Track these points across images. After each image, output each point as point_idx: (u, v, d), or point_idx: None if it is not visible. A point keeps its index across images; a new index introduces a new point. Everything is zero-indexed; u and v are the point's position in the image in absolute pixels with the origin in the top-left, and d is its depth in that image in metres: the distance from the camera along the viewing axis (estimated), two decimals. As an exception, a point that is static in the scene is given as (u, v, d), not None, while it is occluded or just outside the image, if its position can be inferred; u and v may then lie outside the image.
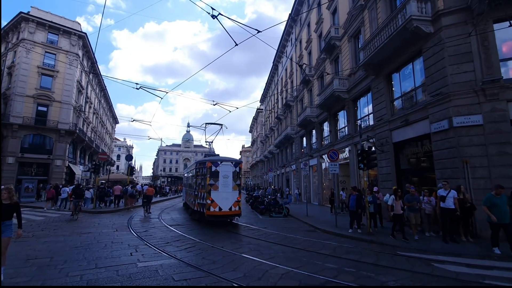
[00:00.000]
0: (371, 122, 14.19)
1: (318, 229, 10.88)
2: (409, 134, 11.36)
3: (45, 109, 27.96)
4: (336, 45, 17.59)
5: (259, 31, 7.89)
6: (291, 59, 29.90)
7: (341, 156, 17.44)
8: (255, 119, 63.64)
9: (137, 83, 10.27)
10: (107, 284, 4.66)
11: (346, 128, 17.00)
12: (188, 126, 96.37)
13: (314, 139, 23.11)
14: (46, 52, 28.25)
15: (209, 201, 10.78)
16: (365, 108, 15.17)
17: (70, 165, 30.31)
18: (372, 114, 14.06)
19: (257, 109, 58.01)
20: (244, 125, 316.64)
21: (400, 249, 7.63)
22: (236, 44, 8.15)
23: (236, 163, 11.59)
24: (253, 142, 69.53)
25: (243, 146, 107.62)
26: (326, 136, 20.69)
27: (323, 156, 19.36)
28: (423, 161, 11.08)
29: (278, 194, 21.04)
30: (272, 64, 39.44)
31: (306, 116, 21.74)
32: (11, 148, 25.39)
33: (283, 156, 33.72)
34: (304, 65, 24.12)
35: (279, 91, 37.06)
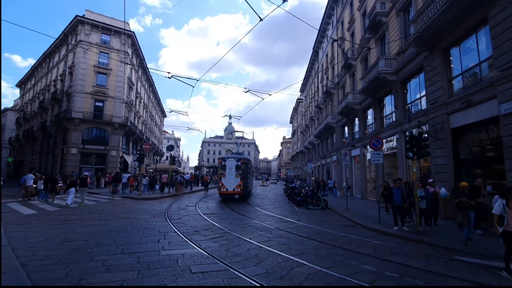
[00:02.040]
0: (424, 106, 12.39)
1: (358, 224, 9.88)
2: (471, 117, 9.55)
3: (101, 104, 30.65)
4: (382, 22, 15.70)
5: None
6: (332, 43, 28.03)
7: (387, 145, 15.77)
8: (295, 109, 62.23)
9: (168, 72, 10.34)
10: (124, 271, 4.57)
11: (393, 115, 15.23)
12: (230, 118, 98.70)
13: (356, 128, 21.44)
14: (100, 52, 30.75)
15: (220, 184, 16.81)
16: (417, 91, 13.32)
17: (124, 155, 32.99)
18: (425, 97, 12.25)
19: (297, 99, 56.53)
20: (285, 116, 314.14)
21: (458, 253, 6.39)
22: (261, 19, 7.52)
23: (238, 159, 16.89)
24: (293, 133, 68.27)
25: (283, 138, 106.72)
26: (370, 124, 18.96)
27: (367, 145, 17.76)
28: (488, 149, 9.25)
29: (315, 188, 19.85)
30: (312, 51, 37.63)
31: (347, 103, 20.19)
32: (74, 140, 28.42)
33: (324, 147, 32.31)
34: (346, 48, 22.30)
35: (319, 79, 35.35)
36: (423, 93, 12.50)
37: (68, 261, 5.00)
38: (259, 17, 7.50)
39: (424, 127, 11.67)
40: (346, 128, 23.92)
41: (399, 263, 5.52)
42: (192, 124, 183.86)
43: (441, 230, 8.75)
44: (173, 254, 5.56)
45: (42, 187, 14.22)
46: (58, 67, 35.28)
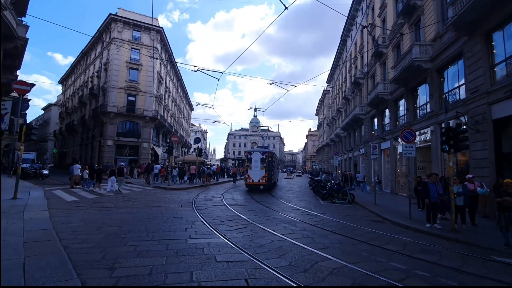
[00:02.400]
0: (462, 96, 11.43)
1: (387, 220, 9.50)
2: (519, 108, 8.65)
3: (133, 98, 32.17)
4: (417, 5, 14.61)
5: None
6: (361, 30, 26.72)
7: (420, 138, 14.87)
8: (321, 101, 60.73)
9: (194, 66, 10.53)
10: (153, 256, 4.81)
11: (428, 105, 14.26)
12: (256, 110, 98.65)
13: (387, 120, 20.43)
14: (132, 48, 32.11)
15: (246, 176, 18.24)
16: (455, 79, 12.30)
17: (154, 147, 34.53)
18: (464, 86, 11.29)
19: (324, 90, 55.06)
20: (311, 109, 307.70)
21: (497, 253, 5.91)
22: (286, 8, 7.31)
23: (263, 152, 18.24)
24: (319, 126, 66.82)
25: (309, 130, 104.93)
26: (401, 116, 17.96)
27: (398, 138, 16.88)
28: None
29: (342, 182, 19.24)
30: (340, 39, 36.20)
31: (377, 94, 19.25)
32: (109, 132, 30.24)
33: (351, 139, 31.32)
34: (377, 36, 21.15)
35: (347, 69, 34.05)
36: (462, 81, 11.52)
37: (104, 245, 5.37)
38: (284, 5, 7.31)
39: (462, 118, 10.80)
40: (375, 120, 22.93)
41: (431, 262, 5.23)
42: (218, 117, 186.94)
43: (479, 229, 8.13)
44: (199, 243, 5.74)
45: (87, 176, 15.56)
46: (94, 64, 37.49)
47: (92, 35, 34.97)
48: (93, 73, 37.20)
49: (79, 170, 15.94)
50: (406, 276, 4.53)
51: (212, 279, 4.06)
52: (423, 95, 15.25)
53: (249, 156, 18.23)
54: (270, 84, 13.24)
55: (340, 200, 13.83)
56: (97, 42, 36.46)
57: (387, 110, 20.27)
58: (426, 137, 14.36)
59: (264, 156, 18.03)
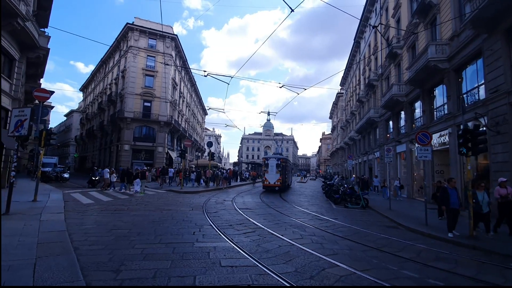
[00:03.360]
0: (482, 96, 10.90)
1: (401, 225, 9.13)
2: (544, 108, 8.11)
3: (149, 104, 32.99)
4: (432, 4, 14.15)
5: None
6: (375, 32, 26.23)
7: (438, 140, 14.29)
8: (335, 104, 59.95)
9: (204, 71, 10.64)
10: (159, 260, 4.82)
11: (445, 107, 13.71)
12: (269, 114, 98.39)
13: (402, 122, 19.84)
14: (148, 55, 33.05)
15: (264, 179, 20.90)
16: (473, 79, 11.76)
17: (169, 151, 35.17)
18: (483, 85, 10.76)
19: (337, 93, 54.37)
20: (325, 112, 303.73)
21: (521, 264, 5.50)
22: (292, 10, 7.27)
23: (278, 158, 20.99)
24: (333, 129, 65.86)
25: (323, 134, 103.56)
26: (417, 118, 17.37)
27: (413, 141, 16.33)
28: None
29: (356, 187, 18.64)
30: (353, 41, 35.68)
31: (392, 95, 18.75)
32: (126, 137, 31.11)
33: (365, 143, 30.65)
34: (391, 36, 20.67)
35: (361, 71, 33.49)
36: (481, 81, 11.00)
37: (113, 247, 5.45)
38: (290, 7, 7.27)
39: (482, 120, 10.28)
40: (390, 122, 22.34)
41: (446, 270, 4.94)
42: (230, 121, 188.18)
43: (500, 236, 7.64)
44: (206, 247, 5.72)
45: (115, 180, 17.59)
46: (112, 72, 38.85)
47: (111, 44, 36.31)
48: (111, 80, 38.55)
49: (108, 174, 17.17)
50: (418, 284, 4.30)
51: (215, 284, 4.01)
52: (440, 96, 14.69)
53: (266, 161, 21.14)
54: (280, 87, 13.19)
55: (353, 205, 13.48)
56: (115, 50, 37.81)
57: (402, 112, 19.69)
58: (443, 140, 13.78)
59: (279, 162, 20.79)
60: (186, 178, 23.58)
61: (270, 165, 20.70)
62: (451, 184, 8.13)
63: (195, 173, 22.89)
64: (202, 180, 23.32)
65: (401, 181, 18.39)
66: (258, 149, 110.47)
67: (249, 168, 49.86)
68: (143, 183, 16.34)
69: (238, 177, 33.58)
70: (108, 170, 17.52)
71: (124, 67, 33.61)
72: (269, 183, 20.38)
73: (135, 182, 16.24)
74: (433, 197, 12.18)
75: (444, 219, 9.29)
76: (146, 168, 18.54)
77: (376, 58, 26.65)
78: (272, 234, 7.11)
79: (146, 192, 16.48)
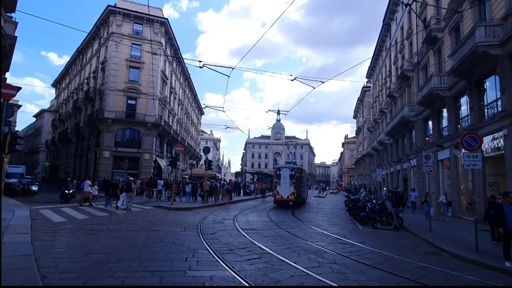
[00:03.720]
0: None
1: (445, 251, 8.93)
2: None
3: (133, 102, 33.42)
4: (479, -23, 14.05)
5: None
6: (409, 11, 26.18)
7: (490, 144, 14.03)
8: (360, 100, 59.77)
9: (200, 61, 10.72)
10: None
11: (499, 102, 13.47)
12: (278, 113, 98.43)
13: (444, 122, 19.59)
14: (132, 44, 33.60)
15: (275, 192, 21.71)
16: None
17: (157, 158, 35.42)
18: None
19: (363, 87, 54.27)
20: (348, 110, 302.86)
21: None
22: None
23: (292, 168, 21.86)
24: (358, 131, 65.58)
25: (346, 137, 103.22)
26: (464, 117, 17.13)
27: (459, 145, 16.06)
28: None
29: (387, 203, 18.28)
30: (382, 24, 35.63)
31: (431, 89, 18.57)
32: (106, 142, 31.48)
33: (398, 148, 30.38)
34: (429, 17, 20.56)
35: (391, 59, 33.36)
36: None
37: (87, 275, 5.44)
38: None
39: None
40: (429, 122, 22.13)
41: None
42: (232, 122, 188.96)
43: None
44: (200, 276, 5.66)
45: (96, 193, 18.05)
46: (91, 63, 39.58)
47: (89, 31, 37.02)
48: (89, 73, 39.25)
49: (89, 186, 17.44)
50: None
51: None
52: (492, 89, 14.47)
53: (278, 172, 21.94)
54: (292, 80, 13.17)
55: (384, 225, 13.30)
56: (94, 38, 38.54)
57: (444, 110, 19.45)
58: (497, 144, 13.51)
59: (293, 172, 21.54)
60: (180, 191, 23.73)
61: (282, 176, 21.46)
62: (508, 200, 7.86)
63: (190, 185, 23.12)
64: (198, 194, 23.54)
65: (448, 196, 17.94)
66: (266, 156, 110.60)
67: (255, 180, 49.80)
68: (129, 197, 16.51)
69: (241, 191, 33.52)
70: (89, 182, 17.81)
71: (105, 57, 34.19)
72: (281, 197, 21.19)
73: (121, 195, 16.57)
74: (485, 216, 11.86)
75: (501, 244, 9.01)
76: (131, 178, 18.75)
77: (410, 44, 26.46)
78: (283, 261, 7.01)
79: (95, 213, 16.31)
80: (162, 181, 23.97)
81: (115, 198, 16.95)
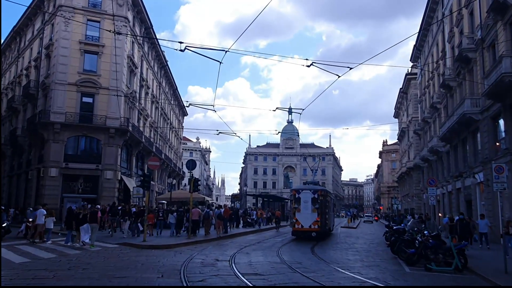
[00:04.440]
0: None
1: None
2: None
3: (90, 100, 33.76)
4: None
5: None
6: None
7: None
8: (403, 93, 60.04)
9: (181, 42, 10.81)
10: None
11: None
12: (290, 112, 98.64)
13: (521, 121, 19.57)
14: (88, 20, 34.12)
15: (294, 220, 23.30)
16: None
17: (124, 177, 35.52)
18: None
19: (406, 74, 54.44)
20: (386, 106, 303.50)
21: None
22: None
23: (314, 191, 23.71)
24: (401, 135, 65.66)
25: (384, 143, 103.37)
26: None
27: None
28: None
29: (446, 236, 17.97)
30: (430, -13, 35.89)
31: (502, 75, 18.59)
32: (53, 156, 31.64)
33: (458, 157, 30.44)
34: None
35: (445, 35, 33.52)
36: None
37: None
38: None
39: None
40: (500, 121, 22.13)
41: None
42: (225, 126, 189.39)
43: None
44: None
45: (52, 226, 18.43)
46: (31, 48, 40.03)
47: (28, 4, 37.46)
48: (29, 62, 39.69)
49: (43, 217, 17.89)
50: None
51: None
52: None
53: (297, 195, 23.60)
54: (308, 66, 13.23)
55: (441, 266, 13.20)
56: (36, 14, 39.05)
57: (521, 104, 19.48)
58: None
59: (316, 195, 23.13)
60: (159, 222, 23.75)
61: (303, 200, 23.03)
62: None
63: (175, 214, 23.45)
64: (185, 227, 23.74)
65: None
66: (274, 172, 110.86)
67: (260, 205, 49.68)
68: (94, 231, 17.04)
69: (241, 220, 33.43)
70: (44, 212, 18.21)
71: (50, 40, 34.58)
72: (301, 226, 22.68)
73: (81, 228, 17.10)
74: None
75: None
76: (99, 206, 19.29)
77: (471, 14, 26.59)
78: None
79: (63, 251, 16.22)
80: (134, 209, 24.08)
81: (77, 232, 17.44)
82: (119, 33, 32.83)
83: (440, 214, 35.81)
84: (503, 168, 14.14)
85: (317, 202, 22.91)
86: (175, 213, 23.57)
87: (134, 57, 38.38)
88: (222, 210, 25.76)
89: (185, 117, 77.02)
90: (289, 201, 68.60)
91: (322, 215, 22.90)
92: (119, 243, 18.52)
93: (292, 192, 25.08)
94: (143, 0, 38.03)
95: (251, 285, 9.85)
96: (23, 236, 19.60)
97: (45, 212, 18.14)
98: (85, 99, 33.60)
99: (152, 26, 42.01)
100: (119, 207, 25.07)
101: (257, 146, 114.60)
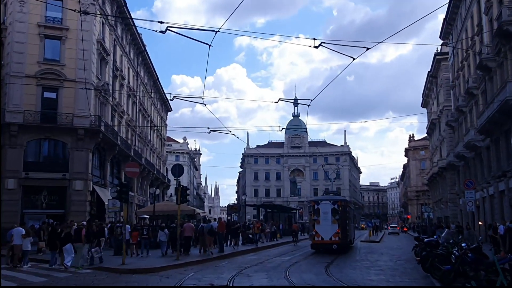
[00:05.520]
0: None
1: None
2: None
3: (53, 95, 33.67)
4: None
5: None
6: None
7: None
8: (432, 77, 60.11)
9: (161, 22, 10.87)
10: None
11: None
12: (296, 104, 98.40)
13: None
14: (48, -1, 33.91)
15: (314, 233, 26.21)
16: None
17: (96, 188, 35.47)
18: None
19: (436, 54, 54.45)
20: (412, 95, 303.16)
21: None
22: None
23: (334, 201, 26.64)
24: (431, 128, 65.75)
25: (410, 139, 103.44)
26: None
27: None
28: None
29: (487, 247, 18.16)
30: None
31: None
32: (10, 164, 31.43)
33: (500, 153, 30.46)
34: None
35: (482, 6, 33.43)
36: None
37: None
38: None
39: None
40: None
41: None
42: (218, 122, 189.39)
43: None
44: None
45: (29, 248, 18.83)
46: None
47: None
48: (-22, 50, 39.59)
49: (21, 236, 18.29)
50: None
51: None
52: None
53: (316, 206, 26.56)
54: (316, 47, 13.26)
55: (483, 285, 13.18)
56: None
57: None
58: None
59: (336, 206, 26.00)
60: (145, 241, 23.96)
61: (322, 212, 25.96)
62: None
63: (166, 230, 23.70)
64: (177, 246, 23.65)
65: None
66: (278, 177, 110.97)
67: (262, 217, 49.72)
68: (80, 251, 17.77)
69: (240, 236, 33.42)
70: (22, 231, 18.70)
71: (3, 23, 34.49)
72: (321, 239, 25.58)
73: (65, 249, 17.38)
74: None
75: None
76: (84, 223, 19.53)
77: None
78: None
79: (52, 274, 16.56)
80: (106, 227, 24.13)
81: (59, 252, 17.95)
82: (86, 13, 32.60)
83: (480, 223, 35.83)
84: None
85: (337, 213, 25.66)
86: (166, 229, 23.64)
87: (105, 42, 38.25)
88: (216, 223, 25.80)
89: (168, 113, 77.04)
90: (297, 212, 69.50)
91: (342, 226, 25.57)
92: (93, 267, 18.50)
93: (311, 203, 28.31)
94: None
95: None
96: None
97: (23, 232, 18.47)
98: (47, 94, 33.45)
99: (126, 3, 41.97)
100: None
101: (257, 146, 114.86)
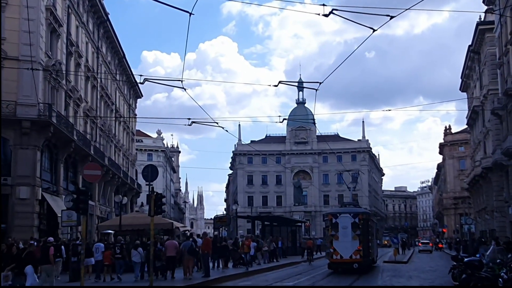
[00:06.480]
0: None
1: None
2: None
3: (-10, 78, 33.51)
4: None
5: None
6: None
7: None
8: (473, 53, 60.18)
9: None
10: None
11: None
12: (301, 88, 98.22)
13: None
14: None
15: (331, 250, 27.33)
16: None
17: (47, 196, 35.35)
18: None
19: (478, 24, 54.52)
20: (447, 76, 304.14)
21: None
22: None
23: (355, 214, 28.04)
24: (472, 118, 65.73)
25: (446, 131, 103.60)
26: None
27: None
28: None
29: None
30: None
31: None
32: None
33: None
34: None
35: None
36: None
37: None
38: None
39: None
40: None
41: None
42: (202, 111, 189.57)
43: None
44: None
45: None
46: None
47: None
48: None
49: None
50: None
51: None
52: None
53: (333, 220, 27.98)
54: (326, 16, 13.24)
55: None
56: None
57: None
58: None
59: (357, 220, 27.45)
60: (118, 262, 24.24)
61: (341, 226, 27.39)
62: None
63: (140, 249, 24.13)
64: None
65: None
66: (279, 180, 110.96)
67: (258, 232, 49.78)
68: (50, 273, 17.94)
69: (229, 256, 33.46)
70: None
71: None
72: (340, 257, 26.97)
73: (26, 271, 17.32)
74: None
75: None
76: (51, 239, 20.02)
77: None
78: None
79: None
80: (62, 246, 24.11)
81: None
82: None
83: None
84: None
85: (358, 227, 27.09)
86: (141, 248, 23.94)
87: (56, 10, 38.00)
88: (200, 240, 25.78)
89: (138, 100, 77.04)
90: (302, 225, 69.53)
91: (364, 243, 27.04)
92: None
93: (328, 217, 29.26)
94: None
95: None
96: None
97: None
98: (-19, 78, 33.47)
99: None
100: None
101: (252, 142, 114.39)
